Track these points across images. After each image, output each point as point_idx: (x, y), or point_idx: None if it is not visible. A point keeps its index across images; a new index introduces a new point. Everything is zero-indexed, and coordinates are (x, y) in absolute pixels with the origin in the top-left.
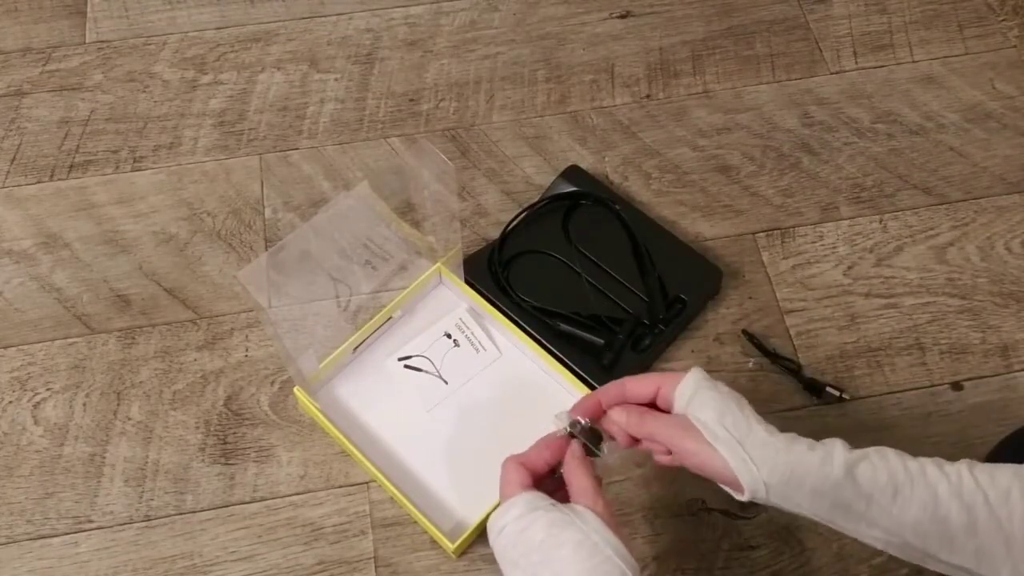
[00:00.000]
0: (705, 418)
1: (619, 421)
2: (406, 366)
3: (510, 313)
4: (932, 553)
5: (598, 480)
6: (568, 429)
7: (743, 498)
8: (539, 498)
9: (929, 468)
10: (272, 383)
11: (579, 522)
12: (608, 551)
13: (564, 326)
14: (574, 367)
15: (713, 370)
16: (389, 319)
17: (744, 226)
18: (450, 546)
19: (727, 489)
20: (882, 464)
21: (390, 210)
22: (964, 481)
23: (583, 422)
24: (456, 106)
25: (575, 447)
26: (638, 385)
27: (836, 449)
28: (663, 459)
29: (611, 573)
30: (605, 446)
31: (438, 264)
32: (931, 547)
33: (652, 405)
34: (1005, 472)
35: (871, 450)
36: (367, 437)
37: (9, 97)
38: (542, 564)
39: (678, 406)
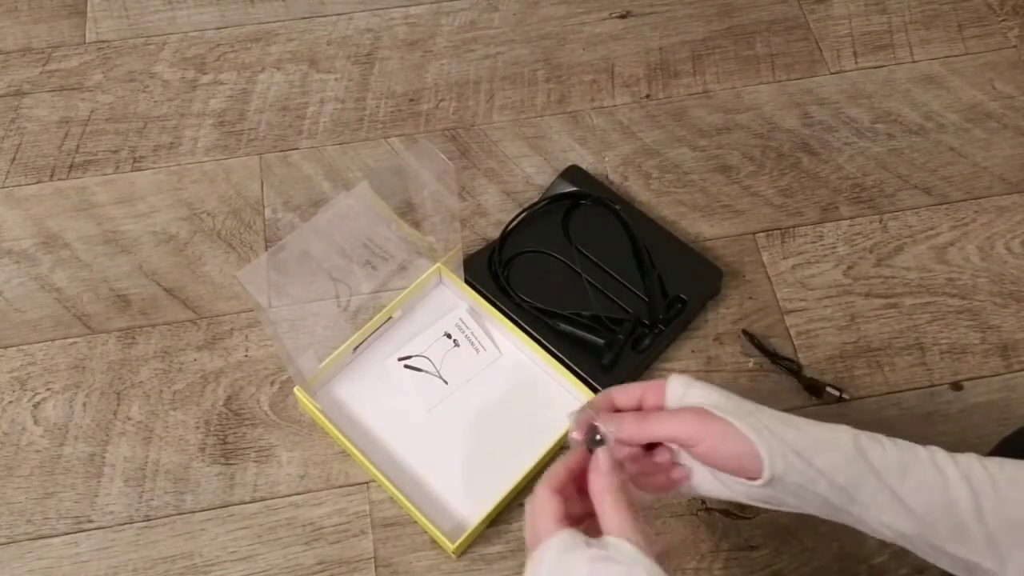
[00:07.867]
0: (709, 403)
1: (616, 434)
2: (406, 366)
3: (510, 313)
4: (940, 544)
5: (631, 499)
6: (588, 445)
7: (761, 480)
8: (574, 536)
9: (938, 454)
10: (272, 383)
11: (618, 557)
12: None
13: (564, 326)
14: (574, 367)
15: (713, 370)
16: (389, 319)
17: (744, 226)
18: (450, 546)
19: (736, 485)
20: (890, 443)
21: (390, 210)
22: (973, 467)
23: (602, 428)
24: (456, 106)
25: (601, 461)
26: (623, 395)
27: (841, 425)
28: (657, 481)
29: None
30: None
31: (438, 264)
32: (940, 536)
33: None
34: (1012, 462)
35: (877, 434)
36: (367, 437)
37: (9, 97)
38: None
39: (671, 406)
